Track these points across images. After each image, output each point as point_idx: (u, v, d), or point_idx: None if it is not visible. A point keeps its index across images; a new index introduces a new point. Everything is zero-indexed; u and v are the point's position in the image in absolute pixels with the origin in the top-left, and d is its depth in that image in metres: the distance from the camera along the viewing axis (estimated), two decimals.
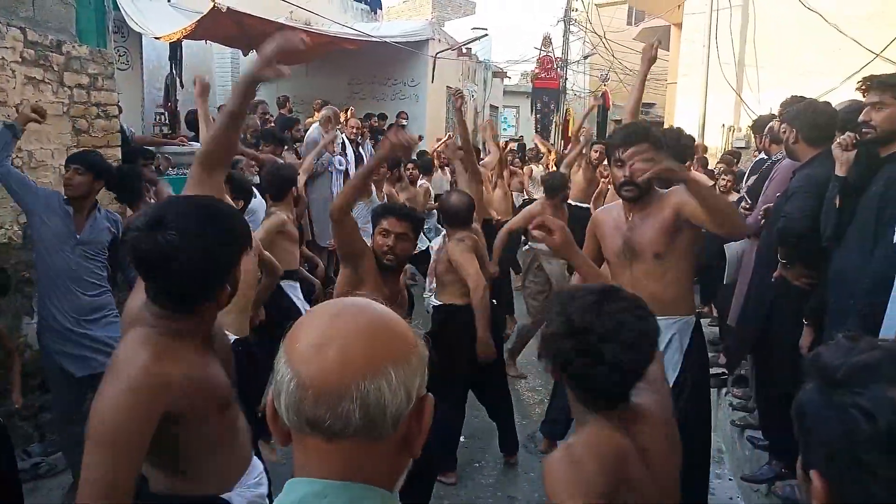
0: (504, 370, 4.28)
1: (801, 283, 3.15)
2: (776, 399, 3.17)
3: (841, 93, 6.47)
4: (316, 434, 0.78)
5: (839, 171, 2.75)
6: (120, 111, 4.90)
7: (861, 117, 2.63)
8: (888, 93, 2.53)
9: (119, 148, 4.54)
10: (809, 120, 3.19)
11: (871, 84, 2.60)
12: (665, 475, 1.45)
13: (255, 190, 4.32)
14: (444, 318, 3.77)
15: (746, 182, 4.86)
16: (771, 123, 4.39)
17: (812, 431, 0.73)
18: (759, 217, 3.66)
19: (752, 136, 4.85)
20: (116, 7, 6.76)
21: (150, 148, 5.18)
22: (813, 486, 0.72)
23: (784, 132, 3.46)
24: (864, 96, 2.65)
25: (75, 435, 3.10)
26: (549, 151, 9.91)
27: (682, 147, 4.29)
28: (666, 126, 11.59)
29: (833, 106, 3.37)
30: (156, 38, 7.40)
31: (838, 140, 2.77)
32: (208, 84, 3.60)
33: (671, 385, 2.43)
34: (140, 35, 8.13)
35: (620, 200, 2.80)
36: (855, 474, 0.67)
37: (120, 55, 8.12)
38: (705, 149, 8.77)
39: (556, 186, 5.25)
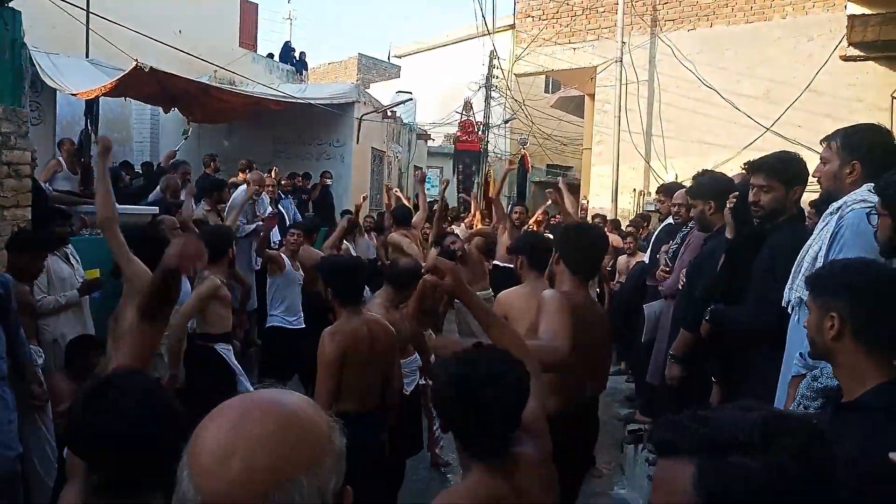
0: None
1: (672, 381, 3.41)
2: None
3: (737, 162, 7.05)
4: None
5: (728, 233, 3.03)
6: (34, 167, 4.78)
7: (750, 198, 2.90)
8: (774, 178, 2.80)
9: (29, 208, 4.34)
10: (719, 188, 3.48)
11: (757, 168, 2.86)
12: None
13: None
14: None
15: (653, 244, 5.18)
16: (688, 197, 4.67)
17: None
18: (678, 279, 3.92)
19: (660, 200, 5.19)
20: (31, 62, 6.57)
21: (65, 207, 4.97)
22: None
23: (698, 207, 3.72)
24: (749, 175, 2.92)
25: None
26: (475, 208, 10.14)
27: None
28: (582, 191, 12.17)
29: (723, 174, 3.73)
30: (73, 94, 7.21)
31: (728, 206, 3.04)
32: (111, 145, 3.40)
33: None
34: (54, 89, 7.90)
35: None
36: None
37: (32, 110, 7.84)
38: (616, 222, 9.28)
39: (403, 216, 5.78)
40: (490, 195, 17.81)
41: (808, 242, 2.43)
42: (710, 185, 3.59)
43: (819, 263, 2.24)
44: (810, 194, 3.00)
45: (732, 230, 3.04)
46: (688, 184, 4.32)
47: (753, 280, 2.93)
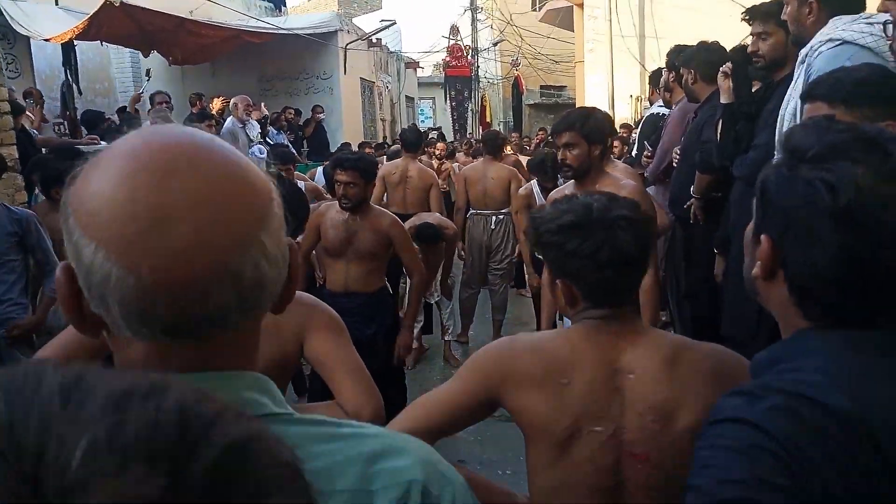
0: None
1: (697, 216, 3.31)
2: (701, 329, 3.31)
3: None
4: (179, 339, 0.54)
5: (723, 98, 2.90)
6: (22, 110, 4.75)
7: (749, 48, 2.77)
8: (770, 22, 2.66)
9: (14, 146, 4.26)
10: (704, 58, 3.35)
11: (754, 15, 2.72)
12: (638, 414, 1.18)
13: None
14: None
15: (638, 137, 5.05)
16: (663, 77, 4.54)
17: (773, 201, 0.76)
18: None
19: (649, 88, 5.05)
20: None
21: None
22: (761, 248, 0.76)
23: (682, 75, 3.61)
24: (749, 26, 2.78)
25: None
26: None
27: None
28: (578, 104, 11.92)
29: (721, 45, 3.58)
30: (45, 39, 6.99)
31: (722, 68, 2.92)
32: None
33: None
34: (28, 41, 7.68)
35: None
36: (803, 241, 0.72)
37: (8, 63, 7.63)
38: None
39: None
40: (487, 120, 17.54)
41: (786, 98, 2.27)
42: (694, 53, 3.46)
43: (798, 120, 2.12)
44: None
45: (728, 95, 2.91)
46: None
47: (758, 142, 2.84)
